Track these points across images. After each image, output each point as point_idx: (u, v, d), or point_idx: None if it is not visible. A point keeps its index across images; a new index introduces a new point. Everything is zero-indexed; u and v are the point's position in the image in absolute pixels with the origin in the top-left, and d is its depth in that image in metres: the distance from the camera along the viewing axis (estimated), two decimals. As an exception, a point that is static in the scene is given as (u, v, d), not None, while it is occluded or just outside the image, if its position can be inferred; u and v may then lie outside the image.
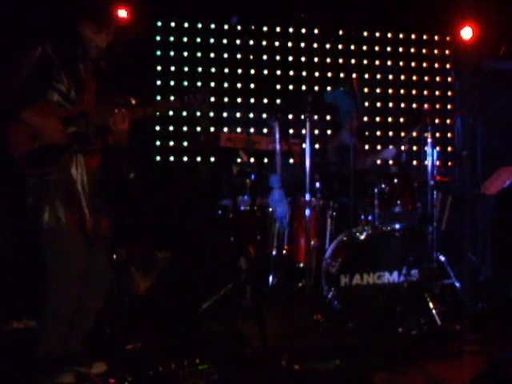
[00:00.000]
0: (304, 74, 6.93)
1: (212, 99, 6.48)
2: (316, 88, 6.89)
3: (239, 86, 6.75)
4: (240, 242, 5.05)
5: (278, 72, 6.87)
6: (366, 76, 7.09)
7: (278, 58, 6.88)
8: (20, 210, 3.51)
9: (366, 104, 6.83)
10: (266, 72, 6.85)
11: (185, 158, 6.57)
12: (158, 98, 6.33)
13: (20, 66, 3.34)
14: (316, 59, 6.99)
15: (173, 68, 6.59)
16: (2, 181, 4.74)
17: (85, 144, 3.45)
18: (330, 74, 6.99)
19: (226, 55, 6.72)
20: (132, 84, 3.85)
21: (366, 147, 6.52)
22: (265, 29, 6.84)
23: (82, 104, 3.44)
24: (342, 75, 7.00)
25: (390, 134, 7.16)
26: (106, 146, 3.53)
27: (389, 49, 7.21)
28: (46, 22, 4.98)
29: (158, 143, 6.54)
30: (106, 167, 3.61)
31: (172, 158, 6.54)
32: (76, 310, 3.48)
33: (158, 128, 6.54)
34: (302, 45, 6.96)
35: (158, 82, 6.53)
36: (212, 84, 6.59)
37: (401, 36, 7.24)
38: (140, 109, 3.53)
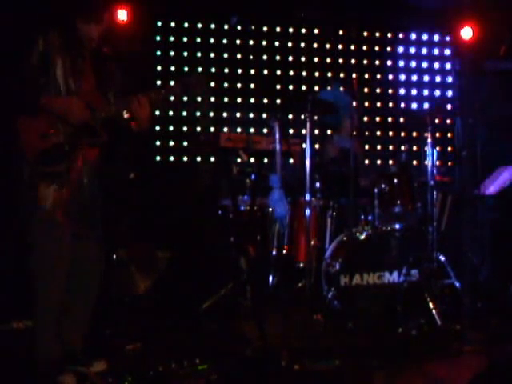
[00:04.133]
0: (304, 73, 6.93)
1: (212, 99, 6.50)
2: (316, 88, 6.90)
3: (239, 85, 6.75)
4: (240, 242, 5.05)
5: (278, 72, 6.87)
6: (366, 76, 7.10)
7: (278, 58, 6.88)
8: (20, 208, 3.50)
9: (366, 104, 6.83)
10: (266, 72, 6.85)
11: (185, 158, 6.58)
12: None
13: (29, 53, 3.35)
14: (316, 59, 6.99)
15: (173, 68, 6.60)
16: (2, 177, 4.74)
17: (92, 137, 3.45)
18: (329, 74, 7.00)
19: (226, 55, 6.72)
20: (132, 83, 3.83)
21: (366, 147, 6.52)
22: (265, 29, 6.84)
23: (81, 95, 3.42)
24: (342, 75, 7.00)
25: (390, 133, 7.17)
26: (111, 140, 3.54)
27: (389, 49, 7.21)
28: (48, 12, 4.99)
29: (158, 143, 6.54)
30: (107, 161, 3.62)
31: (172, 158, 6.54)
32: (64, 306, 3.45)
33: (158, 128, 6.54)
34: (302, 45, 6.96)
35: (158, 82, 6.53)
36: (212, 84, 6.59)
37: (401, 36, 7.25)
38: (154, 92, 3.51)
